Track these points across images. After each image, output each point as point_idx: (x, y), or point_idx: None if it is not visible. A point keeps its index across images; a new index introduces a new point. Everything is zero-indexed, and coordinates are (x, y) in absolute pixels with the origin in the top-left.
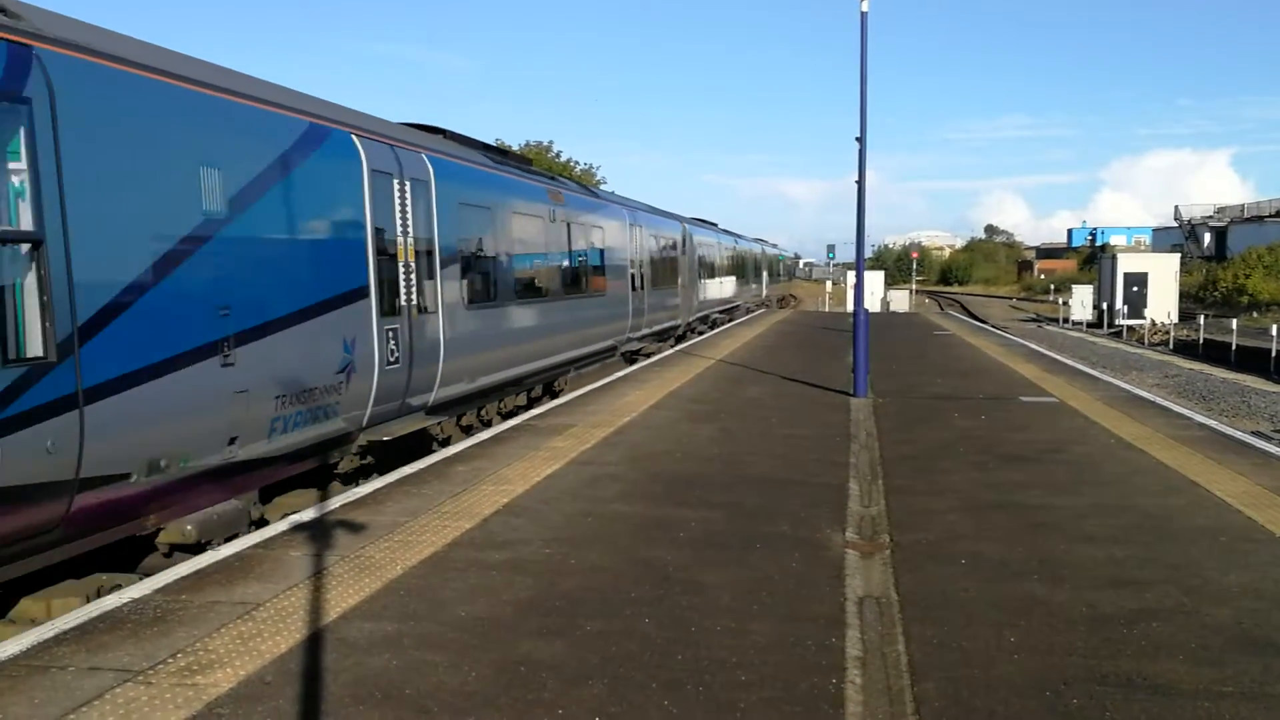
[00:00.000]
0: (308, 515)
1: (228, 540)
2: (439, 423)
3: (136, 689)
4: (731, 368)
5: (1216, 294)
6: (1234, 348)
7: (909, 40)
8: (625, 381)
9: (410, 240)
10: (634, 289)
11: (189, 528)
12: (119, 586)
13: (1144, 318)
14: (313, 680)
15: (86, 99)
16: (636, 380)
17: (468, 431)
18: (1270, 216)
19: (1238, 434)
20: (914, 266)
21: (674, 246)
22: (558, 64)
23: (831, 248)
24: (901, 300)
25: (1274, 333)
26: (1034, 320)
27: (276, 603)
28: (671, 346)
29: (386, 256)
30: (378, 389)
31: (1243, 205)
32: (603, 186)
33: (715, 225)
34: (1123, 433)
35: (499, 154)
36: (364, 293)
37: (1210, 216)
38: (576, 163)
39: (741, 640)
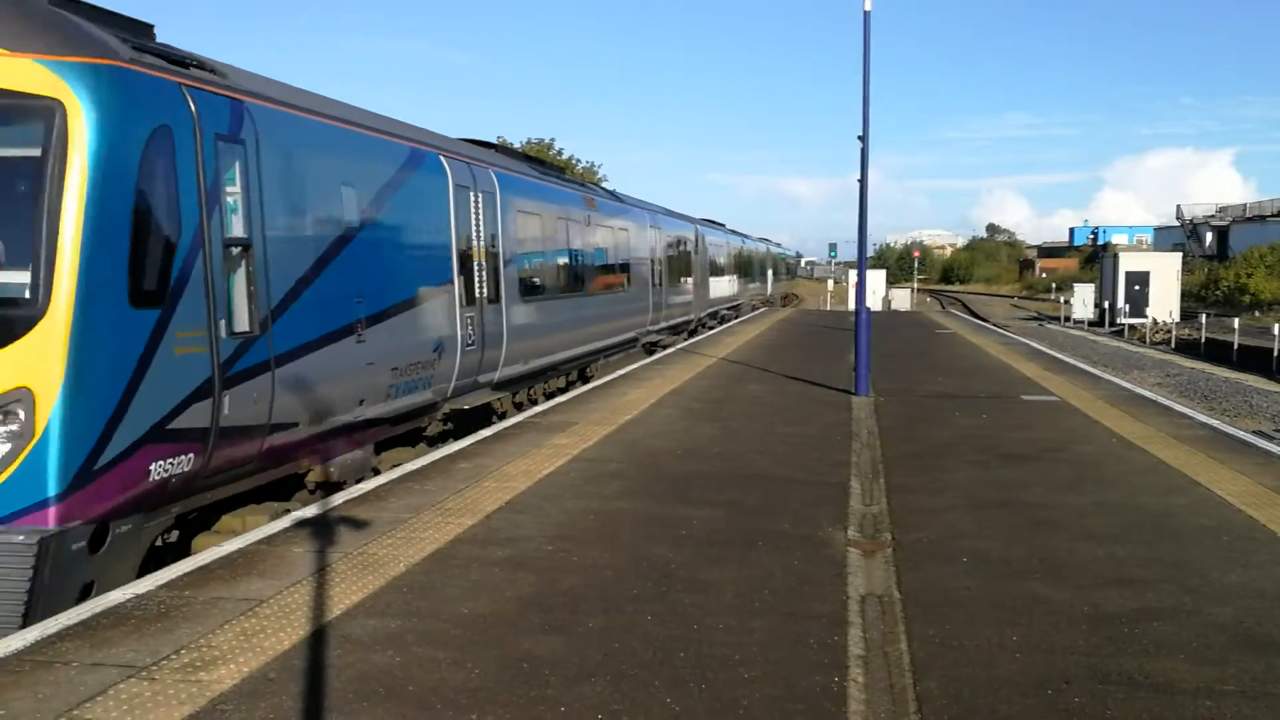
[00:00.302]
0: (311, 512)
1: (357, 481)
2: (499, 398)
3: (140, 685)
4: (733, 366)
5: (1218, 293)
6: (1236, 347)
7: (912, 39)
8: (626, 380)
9: (482, 243)
10: (654, 286)
11: (332, 469)
12: (287, 511)
13: (1146, 317)
14: (316, 677)
15: (275, 138)
16: (638, 378)
17: (519, 408)
18: (1272, 216)
19: (1239, 433)
20: (915, 265)
21: (688, 246)
22: (560, 61)
23: (833, 246)
24: (903, 299)
25: (1275, 332)
26: (1035, 319)
27: (280, 599)
28: (685, 339)
29: (465, 256)
30: (459, 367)
31: (1245, 205)
32: (604, 185)
33: (723, 226)
34: (1124, 432)
35: (540, 165)
36: (450, 287)
37: (1212, 216)
38: (578, 160)
39: (744, 638)
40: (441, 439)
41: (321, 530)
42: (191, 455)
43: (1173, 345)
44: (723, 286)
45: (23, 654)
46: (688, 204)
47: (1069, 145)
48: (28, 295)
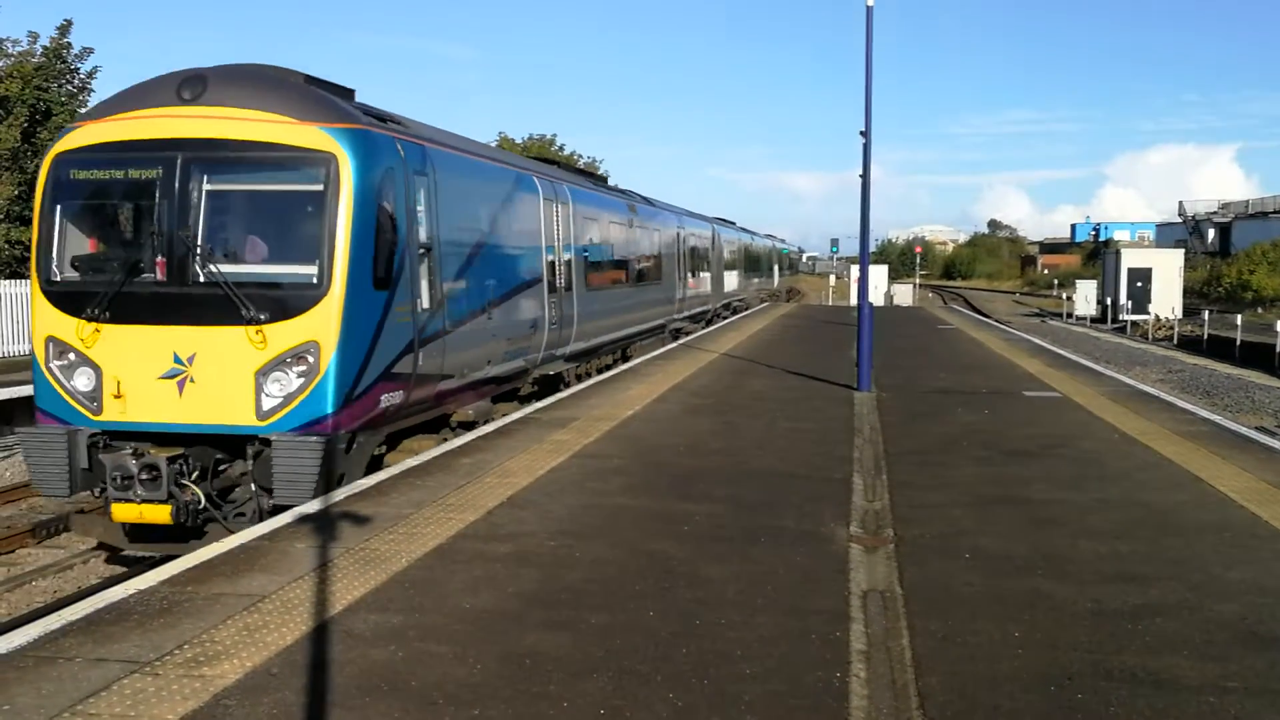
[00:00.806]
0: (313, 508)
1: (485, 422)
2: (569, 368)
3: (143, 680)
4: (735, 361)
5: (1220, 289)
6: (1238, 343)
7: (913, 33)
8: (628, 375)
9: (560, 243)
10: (679, 279)
11: (470, 412)
12: (444, 439)
13: (1148, 313)
14: (318, 672)
15: (443, 171)
16: (639, 374)
17: (579, 379)
18: (1274, 212)
19: (1242, 429)
20: (918, 261)
21: (706, 244)
22: (562, 56)
23: (835, 241)
24: (905, 295)
25: (1278, 328)
26: (1037, 315)
27: (282, 595)
28: (703, 327)
29: (550, 253)
30: (545, 341)
31: (1247, 201)
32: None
33: (734, 224)
34: (1126, 428)
35: (589, 177)
36: (541, 279)
37: (1214, 212)
38: (580, 156)
39: (746, 633)
40: (529, 399)
41: (324, 526)
42: (401, 392)
43: (1175, 341)
44: (735, 280)
45: (26, 650)
46: (690, 199)
47: (1071, 141)
48: (315, 281)
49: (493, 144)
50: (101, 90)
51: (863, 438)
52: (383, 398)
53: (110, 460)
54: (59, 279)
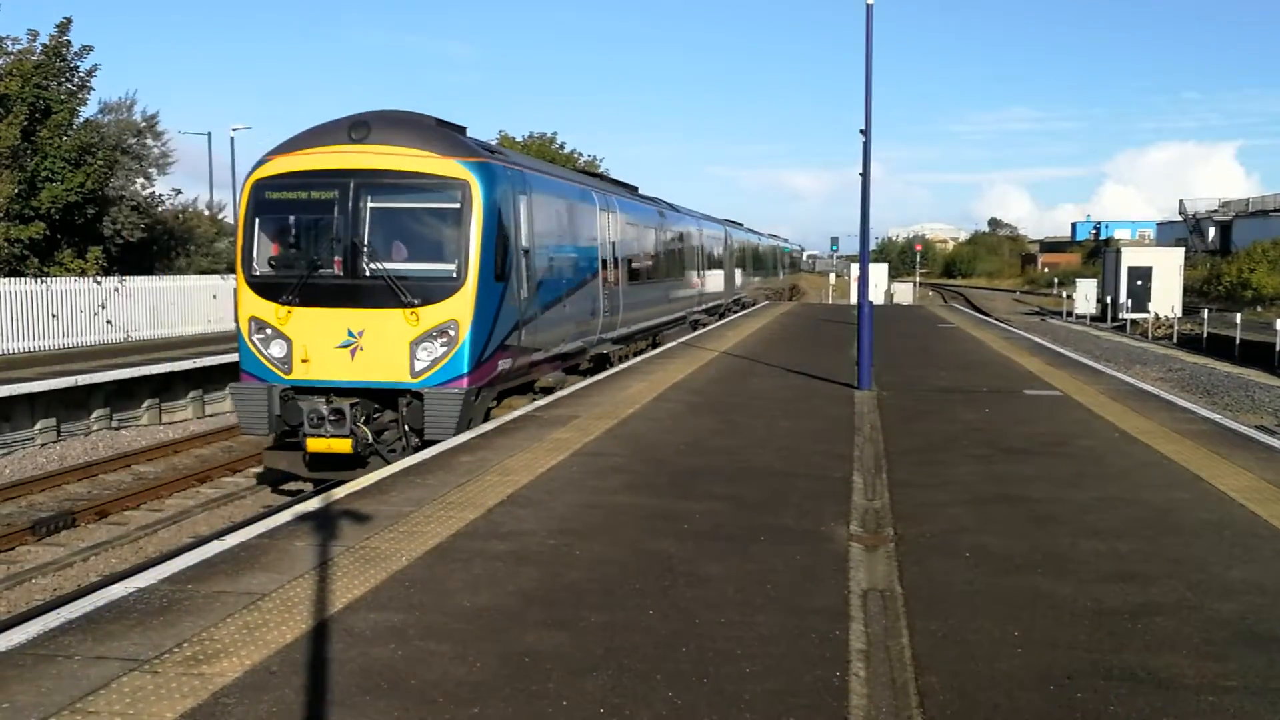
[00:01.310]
0: (313, 505)
1: (560, 388)
2: (615, 350)
3: (143, 678)
4: (735, 360)
5: (1221, 288)
6: (1238, 342)
7: (914, 31)
8: (628, 373)
9: (610, 244)
10: (699, 276)
11: (549, 379)
12: (533, 400)
13: (1148, 312)
14: (318, 670)
15: (534, 189)
16: (640, 372)
17: (621, 359)
18: (1275, 211)
19: (1242, 428)
20: (918, 259)
21: (720, 244)
22: (562, 54)
23: (835, 240)
24: (905, 293)
25: (1278, 327)
26: (1038, 314)
27: (282, 593)
28: (718, 320)
29: (602, 253)
30: (600, 325)
31: (1247, 199)
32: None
33: (742, 225)
34: (1126, 426)
35: (626, 187)
36: (597, 274)
37: (1215, 210)
38: (580, 154)
39: (746, 632)
40: (586, 374)
41: (323, 524)
42: (510, 360)
43: (1175, 340)
44: (745, 278)
45: (25, 647)
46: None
47: (1071, 139)
48: (454, 275)
49: (494, 142)
50: (100, 88)
51: (863, 436)
52: (498, 364)
53: (306, 405)
54: (258, 274)
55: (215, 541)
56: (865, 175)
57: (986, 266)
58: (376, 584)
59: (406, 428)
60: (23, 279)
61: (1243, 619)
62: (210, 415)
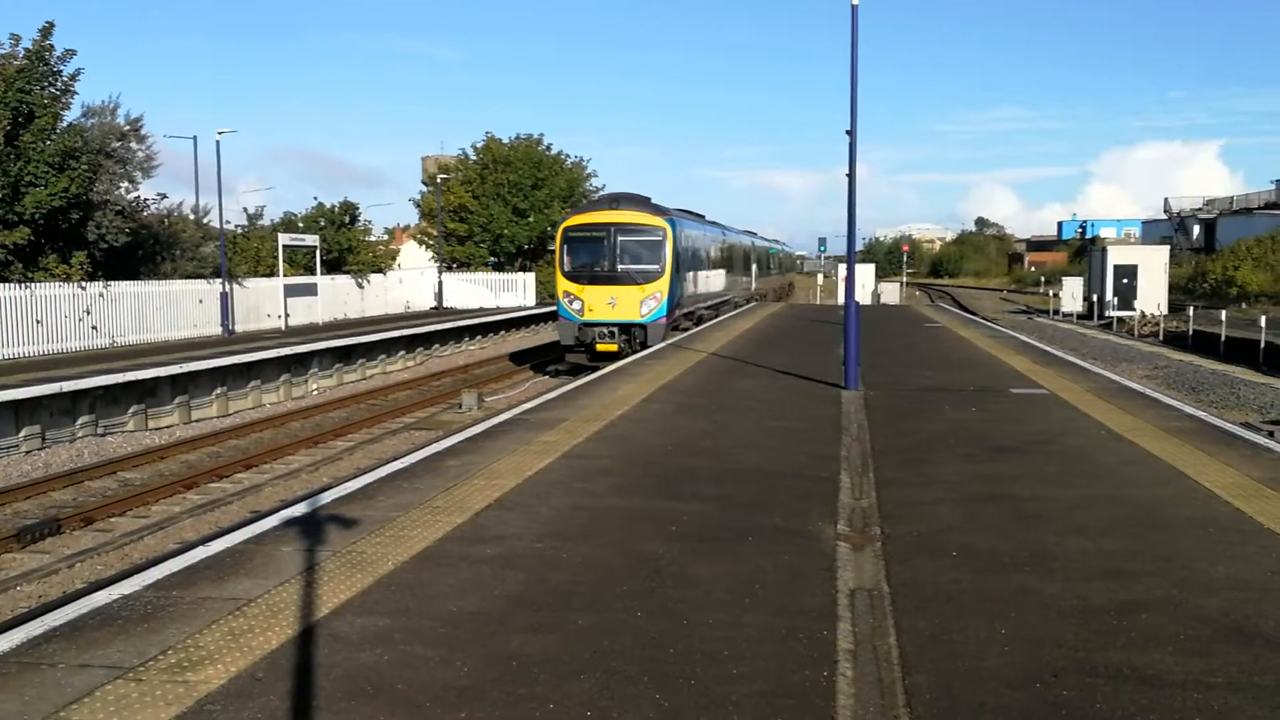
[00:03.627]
0: (299, 510)
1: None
2: (707, 312)
3: (127, 686)
4: (723, 360)
5: (1206, 285)
6: (1223, 339)
7: (899, 30)
8: (617, 375)
9: (705, 252)
10: (738, 273)
11: (689, 322)
12: (684, 329)
13: (1134, 309)
14: (304, 676)
15: (678, 230)
16: (628, 374)
17: (698, 322)
18: (1259, 208)
19: (1227, 425)
20: (905, 259)
21: (746, 249)
22: (548, 57)
23: (823, 240)
24: (892, 293)
25: (1262, 324)
26: (1024, 312)
27: (268, 598)
28: (743, 306)
29: (704, 256)
30: (703, 295)
31: (1231, 197)
32: (594, 180)
33: (756, 234)
34: (1113, 424)
35: (700, 217)
36: (705, 270)
37: (1199, 209)
38: (567, 155)
39: (733, 633)
40: (699, 321)
41: (310, 529)
42: (677, 310)
43: (1160, 338)
44: (760, 275)
45: (9, 656)
46: (678, 197)
47: (1057, 138)
48: (660, 272)
49: (480, 144)
50: (84, 92)
51: (850, 436)
52: (675, 312)
53: (594, 330)
54: (567, 269)
55: (201, 547)
56: (851, 175)
57: (973, 266)
58: (363, 588)
59: (639, 341)
60: (7, 285)
61: (1227, 615)
62: (196, 420)
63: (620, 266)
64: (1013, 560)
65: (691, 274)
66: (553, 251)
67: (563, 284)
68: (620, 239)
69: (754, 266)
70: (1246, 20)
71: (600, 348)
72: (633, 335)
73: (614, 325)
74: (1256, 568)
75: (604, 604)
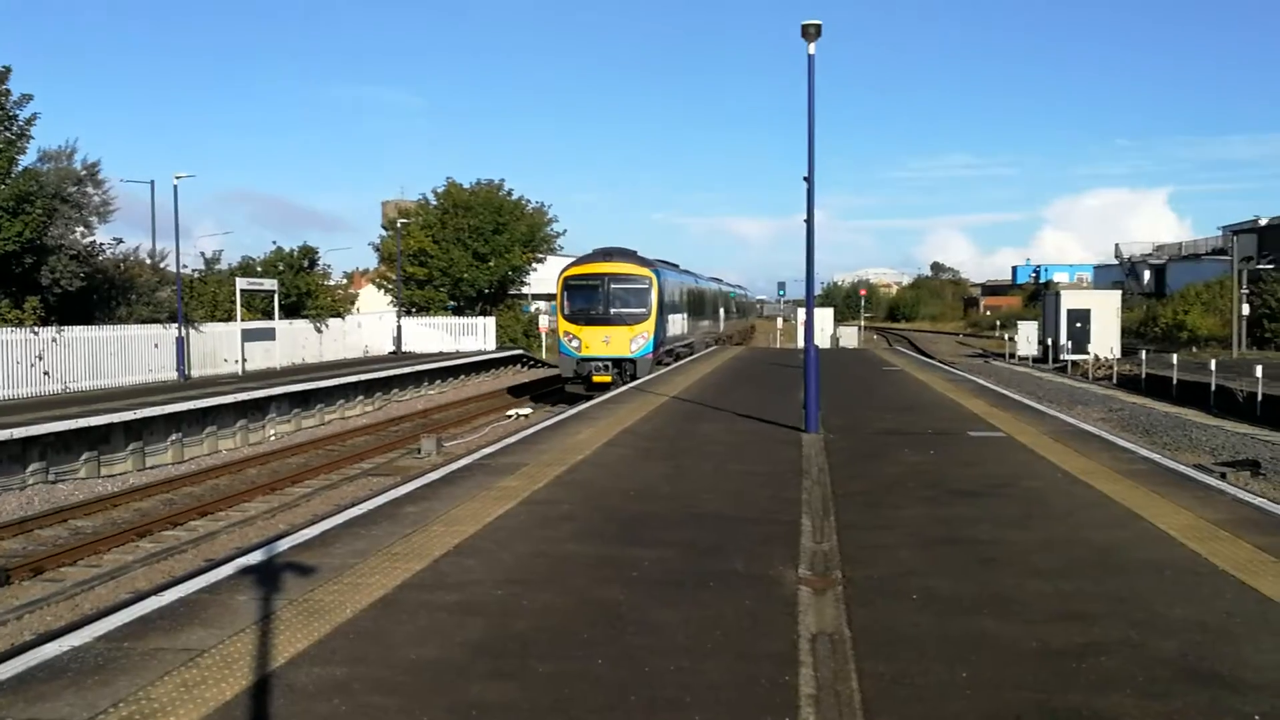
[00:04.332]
0: (255, 558)
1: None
2: (683, 350)
3: None
4: (684, 404)
5: (1157, 329)
6: (1174, 382)
7: (854, 79)
8: (577, 419)
9: (681, 298)
10: (709, 316)
11: (670, 358)
12: (665, 365)
13: (1088, 353)
14: None
15: (662, 279)
16: (588, 418)
17: (676, 358)
18: (1207, 254)
19: (1180, 467)
20: (862, 304)
21: (716, 295)
22: (509, 103)
23: (782, 285)
24: (851, 337)
25: (1213, 368)
26: (981, 356)
27: (222, 649)
28: (712, 346)
29: (681, 303)
30: (680, 335)
31: (1180, 243)
32: (554, 225)
33: (723, 280)
34: (1069, 467)
35: (670, 264)
36: (681, 313)
37: (1149, 254)
38: (528, 200)
39: (695, 679)
40: (678, 358)
41: (266, 577)
42: (662, 347)
43: (1114, 381)
44: (727, 319)
45: None
46: (637, 242)
47: (1009, 185)
48: (646, 314)
49: (440, 189)
50: (40, 137)
51: (811, 479)
52: (659, 348)
53: (590, 365)
54: (567, 313)
55: (153, 597)
56: (809, 221)
57: (930, 310)
58: (320, 637)
59: (629, 373)
60: None
61: (1184, 656)
62: (151, 467)
63: (613, 310)
64: (973, 603)
65: (671, 316)
66: (513, 296)
67: (563, 325)
68: (613, 286)
69: (721, 311)
70: (1190, 71)
71: (596, 379)
72: (624, 368)
73: (608, 360)
74: (1212, 609)
75: (565, 651)
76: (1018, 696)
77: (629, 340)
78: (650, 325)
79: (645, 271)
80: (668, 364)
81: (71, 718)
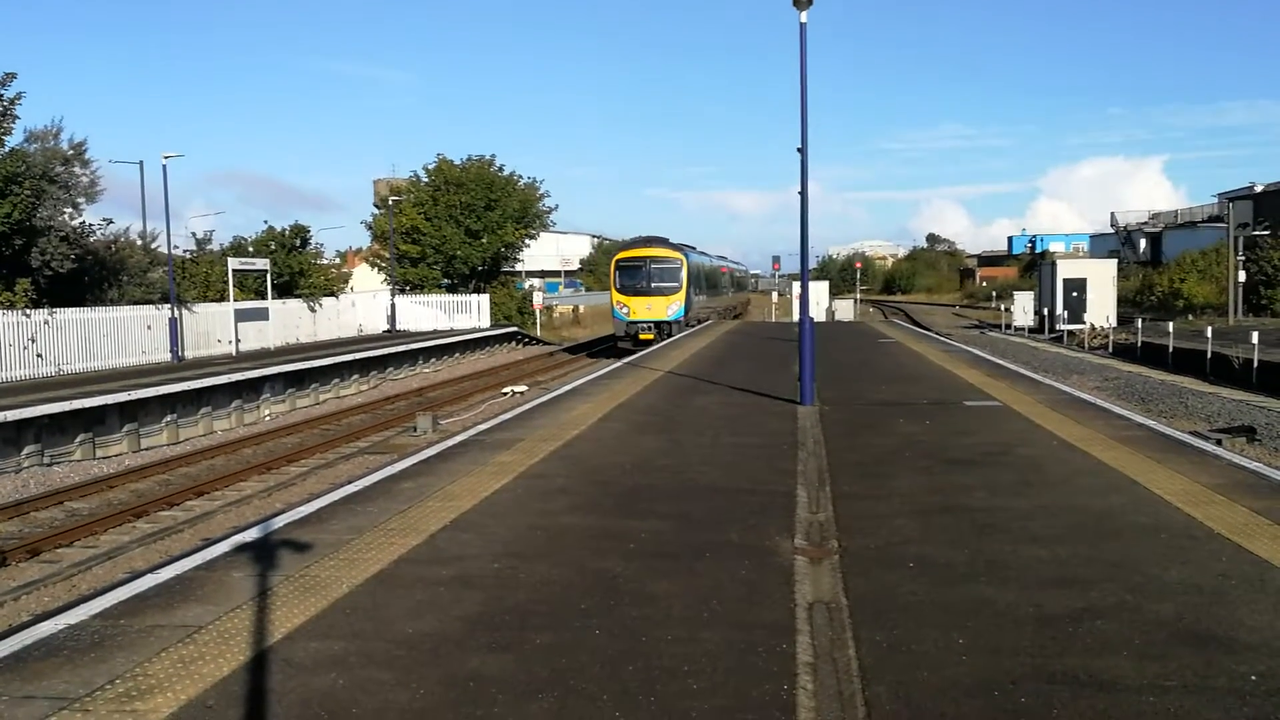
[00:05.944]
0: (252, 535)
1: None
2: (705, 316)
3: (73, 717)
4: (680, 379)
5: (1153, 298)
6: (1170, 350)
7: (847, 50)
8: (573, 395)
9: (706, 275)
10: (723, 290)
11: (694, 323)
12: (693, 328)
13: (1084, 322)
14: (257, 703)
15: (690, 259)
16: (585, 393)
17: (699, 323)
18: (1203, 222)
19: (1176, 434)
20: (858, 276)
21: (728, 274)
22: (500, 78)
23: (777, 258)
24: (846, 310)
25: (1209, 335)
26: (977, 327)
27: (219, 625)
28: (730, 320)
29: (705, 279)
30: (705, 306)
31: (1176, 211)
32: (546, 201)
33: (728, 258)
34: (1065, 435)
35: (694, 248)
36: (703, 288)
37: (1145, 222)
38: (520, 176)
39: (693, 649)
40: (700, 322)
41: (262, 554)
42: (689, 316)
43: (1110, 350)
44: (732, 293)
45: None
46: (631, 218)
47: (1004, 155)
48: (678, 286)
49: (432, 166)
50: (26, 116)
51: (806, 451)
52: (689, 314)
53: (639, 325)
54: (619, 286)
55: (149, 575)
56: (803, 194)
57: (925, 281)
58: (317, 612)
59: (667, 332)
60: None
61: (1180, 619)
62: (146, 449)
63: (653, 284)
64: (969, 570)
65: (695, 288)
66: (506, 272)
67: (615, 296)
68: (653, 266)
69: (729, 284)
70: (1183, 38)
71: (642, 337)
72: (662, 329)
73: (651, 322)
74: (1208, 572)
75: (562, 623)
76: (1015, 661)
77: (666, 306)
78: (682, 296)
79: (677, 254)
80: (694, 326)
81: (68, 694)
